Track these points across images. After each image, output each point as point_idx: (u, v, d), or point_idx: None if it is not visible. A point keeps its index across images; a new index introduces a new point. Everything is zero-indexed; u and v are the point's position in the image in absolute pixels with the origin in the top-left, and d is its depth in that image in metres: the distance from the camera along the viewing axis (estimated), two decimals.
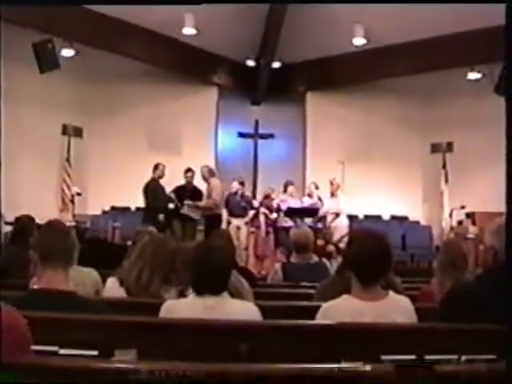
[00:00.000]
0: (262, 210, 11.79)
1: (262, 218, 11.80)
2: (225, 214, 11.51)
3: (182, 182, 11.22)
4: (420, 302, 3.77)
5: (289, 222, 11.03)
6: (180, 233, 10.98)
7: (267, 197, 12.05)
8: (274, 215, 11.68)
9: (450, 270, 3.91)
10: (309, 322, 2.92)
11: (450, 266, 3.94)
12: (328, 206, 11.37)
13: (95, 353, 2.51)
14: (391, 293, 3.00)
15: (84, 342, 2.53)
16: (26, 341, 1.77)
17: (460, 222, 13.14)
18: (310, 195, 11.73)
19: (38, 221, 5.67)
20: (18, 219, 5.82)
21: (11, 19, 10.67)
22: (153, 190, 10.84)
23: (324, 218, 11.36)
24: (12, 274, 4.77)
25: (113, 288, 3.79)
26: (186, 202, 10.85)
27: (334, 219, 11.25)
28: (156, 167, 10.98)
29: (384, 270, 3.02)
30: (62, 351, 2.42)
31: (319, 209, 11.26)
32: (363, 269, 2.97)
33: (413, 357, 2.58)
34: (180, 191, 11.06)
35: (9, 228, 8.02)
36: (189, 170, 11.27)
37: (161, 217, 10.68)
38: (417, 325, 2.95)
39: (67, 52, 12.19)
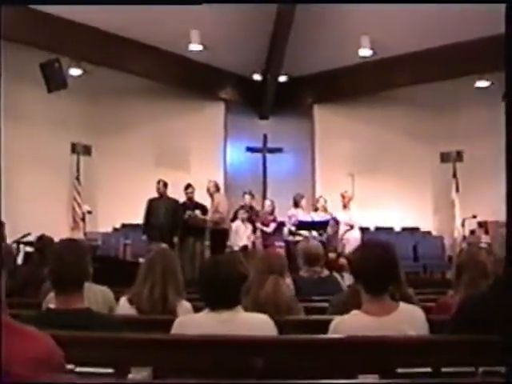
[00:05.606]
0: (258, 225, 11.70)
1: (258, 233, 11.70)
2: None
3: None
4: (436, 313, 3.73)
5: (296, 237, 10.90)
6: (191, 249, 10.99)
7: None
8: (270, 229, 11.61)
9: (480, 284, 3.75)
10: (324, 336, 2.91)
11: (481, 279, 3.78)
12: (341, 219, 11.32)
13: (111, 371, 2.51)
14: (402, 304, 2.97)
15: (100, 360, 2.53)
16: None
17: (472, 232, 13.07)
18: (316, 210, 11.60)
19: None
20: (40, 238, 5.87)
21: (18, 39, 10.78)
22: (148, 206, 10.97)
23: (336, 231, 11.31)
24: (26, 292, 4.80)
25: (124, 307, 3.79)
26: (188, 212, 10.88)
27: (347, 231, 11.21)
28: (156, 184, 11.06)
29: (390, 278, 3.01)
30: (79, 369, 2.42)
31: (331, 221, 11.18)
32: (368, 277, 2.96)
33: (429, 369, 2.57)
34: (183, 207, 11.05)
35: (25, 248, 8.12)
36: (189, 185, 11.24)
37: (143, 237, 10.73)
38: (433, 337, 2.92)
39: (75, 71, 12.28)
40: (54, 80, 11.14)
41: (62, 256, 3.05)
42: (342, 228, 11.28)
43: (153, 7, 10.33)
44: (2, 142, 7.75)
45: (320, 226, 10.95)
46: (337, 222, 11.33)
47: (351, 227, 11.19)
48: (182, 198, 11.19)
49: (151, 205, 10.94)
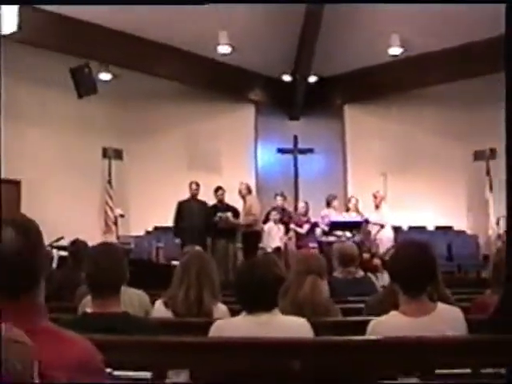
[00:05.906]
0: (292, 226, 11.70)
1: (291, 234, 11.69)
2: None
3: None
4: (473, 313, 3.67)
5: (329, 238, 10.88)
6: (223, 251, 11.01)
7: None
8: (303, 230, 11.58)
9: None
10: (362, 337, 2.88)
11: None
12: (373, 219, 11.26)
13: (148, 374, 2.52)
14: (440, 304, 2.93)
15: (137, 363, 2.54)
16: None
17: None
18: (348, 210, 11.55)
19: None
20: (73, 242, 5.92)
21: (48, 45, 10.90)
22: (178, 209, 11.00)
23: (369, 231, 11.26)
24: (63, 296, 4.85)
25: (160, 311, 3.80)
26: (219, 214, 10.92)
27: (378, 231, 11.15)
28: (189, 186, 11.10)
29: (428, 279, 2.97)
30: (116, 373, 2.42)
31: (364, 222, 11.13)
32: (404, 277, 2.93)
33: (468, 370, 2.53)
34: (214, 209, 11.09)
35: (58, 252, 8.21)
36: (219, 188, 11.28)
37: (176, 241, 10.77)
38: (471, 337, 2.88)
39: (104, 76, 12.37)
40: (84, 85, 11.24)
41: (97, 260, 3.07)
42: (373, 228, 11.23)
43: (181, 9, 10.38)
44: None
45: (353, 226, 10.91)
46: (367, 222, 11.28)
47: (382, 226, 11.13)
48: (213, 201, 11.24)
49: (181, 207, 11.00)
